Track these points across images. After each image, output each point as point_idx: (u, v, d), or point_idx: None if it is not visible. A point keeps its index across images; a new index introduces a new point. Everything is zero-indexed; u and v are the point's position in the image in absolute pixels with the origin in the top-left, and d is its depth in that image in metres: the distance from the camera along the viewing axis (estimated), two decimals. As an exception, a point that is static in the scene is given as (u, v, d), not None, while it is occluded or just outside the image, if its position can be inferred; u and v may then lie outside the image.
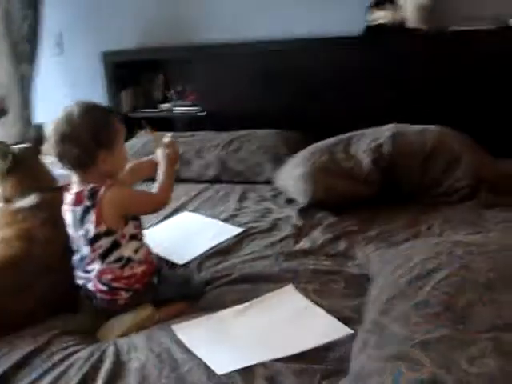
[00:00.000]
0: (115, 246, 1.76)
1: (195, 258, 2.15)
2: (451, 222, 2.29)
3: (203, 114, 3.45)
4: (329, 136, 2.85)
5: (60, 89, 3.96)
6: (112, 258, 1.76)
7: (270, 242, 2.22)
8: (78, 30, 3.93)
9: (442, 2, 3.03)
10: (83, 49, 3.94)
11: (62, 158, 1.71)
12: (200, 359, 1.51)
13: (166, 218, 2.51)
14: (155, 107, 3.74)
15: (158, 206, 1.85)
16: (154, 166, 1.95)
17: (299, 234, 2.27)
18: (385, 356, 1.28)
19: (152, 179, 1.92)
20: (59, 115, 1.74)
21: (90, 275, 1.79)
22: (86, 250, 1.77)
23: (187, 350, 1.55)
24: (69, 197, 1.79)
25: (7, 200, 2.13)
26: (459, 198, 2.46)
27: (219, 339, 1.63)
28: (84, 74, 3.98)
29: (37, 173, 2.24)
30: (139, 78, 3.85)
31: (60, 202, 2.19)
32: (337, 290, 1.87)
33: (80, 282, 1.83)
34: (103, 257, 1.76)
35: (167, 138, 1.94)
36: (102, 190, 1.71)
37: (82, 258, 1.80)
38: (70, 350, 1.63)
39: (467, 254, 1.59)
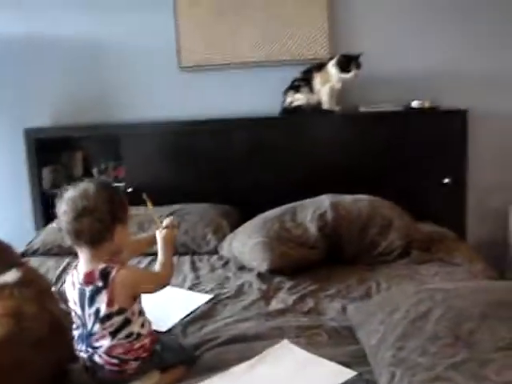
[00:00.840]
0: (126, 323, 1.81)
1: (175, 326, 2.23)
2: (395, 278, 2.58)
3: (130, 189, 3.52)
4: (251, 209, 3.11)
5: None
6: (122, 334, 1.80)
7: (242, 305, 2.36)
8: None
9: (351, 87, 3.42)
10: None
11: (80, 233, 1.75)
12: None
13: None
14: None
15: (164, 283, 1.92)
16: (150, 243, 2.05)
17: (266, 296, 2.44)
18: (422, 380, 1.48)
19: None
20: (71, 193, 1.78)
21: (97, 350, 1.81)
22: (95, 328, 1.80)
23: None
24: (75, 275, 1.84)
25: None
26: (395, 257, 2.77)
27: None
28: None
29: (4, 248, 2.25)
30: (58, 155, 3.87)
31: (39, 278, 2.23)
32: (323, 341, 2.05)
33: (83, 355, 1.85)
34: (114, 334, 1.80)
35: (168, 220, 2.04)
36: (114, 271, 1.77)
37: (90, 334, 1.82)
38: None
39: (448, 298, 1.87)
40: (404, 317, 1.82)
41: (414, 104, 3.43)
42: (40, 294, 2.14)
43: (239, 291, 2.50)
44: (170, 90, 3.77)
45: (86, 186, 1.80)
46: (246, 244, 2.74)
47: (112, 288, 1.76)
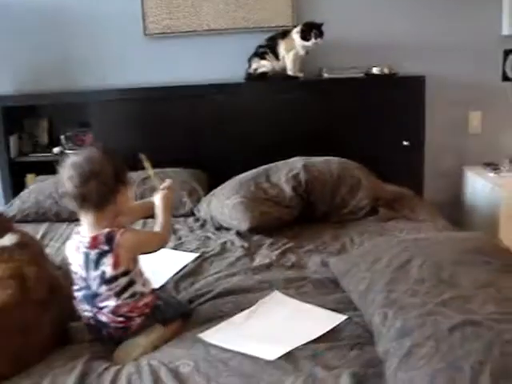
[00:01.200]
0: (131, 283, 1.90)
1: (167, 283, 2.34)
2: (365, 234, 2.76)
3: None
4: (220, 174, 3.24)
5: None
6: (127, 294, 1.89)
7: (229, 262, 2.50)
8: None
9: (315, 54, 3.56)
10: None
11: (87, 196, 1.81)
12: (243, 353, 1.75)
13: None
14: (43, 152, 3.78)
15: (164, 243, 2.03)
16: (150, 207, 2.12)
17: (250, 253, 2.59)
18: (415, 316, 1.65)
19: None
20: (76, 159, 1.85)
21: (103, 310, 1.90)
22: (101, 289, 1.88)
23: (226, 350, 1.78)
24: (79, 239, 1.90)
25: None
26: (363, 214, 2.96)
27: (247, 336, 1.88)
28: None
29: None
30: (23, 123, 3.87)
31: (33, 240, 2.30)
32: (309, 292, 2.21)
33: (87, 314, 1.94)
34: (119, 294, 1.89)
35: (167, 182, 2.12)
36: (118, 235, 1.85)
37: (95, 295, 1.89)
38: (112, 369, 1.75)
39: (426, 246, 2.07)
40: (388, 265, 1.99)
41: (375, 70, 3.59)
42: (37, 256, 2.22)
43: (223, 249, 2.63)
44: (135, 57, 3.82)
45: (89, 151, 1.88)
46: (225, 205, 2.86)
47: (117, 251, 1.84)
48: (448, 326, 1.54)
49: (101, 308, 1.89)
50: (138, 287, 1.92)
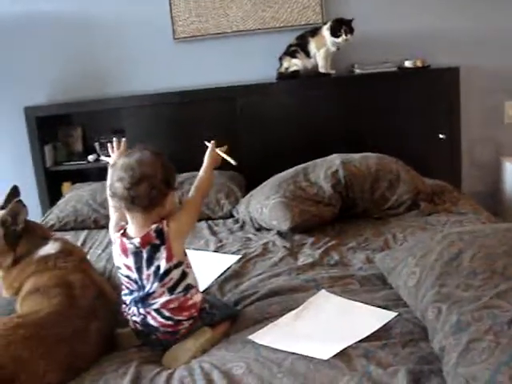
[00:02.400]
0: (183, 276, 1.90)
1: (211, 285, 2.33)
2: (407, 229, 2.72)
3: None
4: (260, 174, 3.20)
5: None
6: (180, 288, 1.90)
7: (272, 262, 2.48)
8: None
9: (346, 50, 3.53)
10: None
11: (135, 199, 1.79)
12: (295, 354, 1.73)
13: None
14: (78, 160, 3.81)
15: (200, 207, 2.04)
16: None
17: (292, 253, 2.56)
18: (471, 309, 1.61)
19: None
20: (127, 161, 1.83)
21: (150, 309, 1.89)
22: (154, 286, 1.88)
23: (278, 351, 1.76)
24: (126, 242, 1.89)
25: (18, 259, 2.17)
26: (404, 209, 2.92)
27: (297, 336, 1.86)
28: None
29: (34, 225, 2.32)
30: (57, 132, 3.92)
31: (75, 248, 2.30)
32: (356, 289, 2.18)
33: (135, 318, 1.93)
34: (172, 289, 1.89)
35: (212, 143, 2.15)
36: (165, 227, 1.86)
37: (147, 295, 1.89)
38: (164, 374, 1.74)
39: (475, 238, 2.01)
40: (438, 258, 1.94)
41: (407, 64, 3.55)
42: (81, 263, 2.23)
43: (265, 250, 2.61)
44: (165, 61, 3.84)
45: (141, 153, 1.85)
46: (265, 205, 2.85)
47: (169, 243, 1.85)
48: (507, 319, 1.50)
49: (151, 305, 1.89)
50: (189, 280, 1.92)
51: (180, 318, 1.91)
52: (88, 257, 2.59)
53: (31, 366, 1.70)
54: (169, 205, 1.89)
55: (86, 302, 1.98)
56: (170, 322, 1.89)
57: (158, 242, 1.85)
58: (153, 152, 1.87)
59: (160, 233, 1.85)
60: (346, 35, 3.42)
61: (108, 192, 1.87)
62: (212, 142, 2.13)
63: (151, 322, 1.90)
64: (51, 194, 3.74)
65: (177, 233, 1.88)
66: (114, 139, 2.23)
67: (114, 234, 1.98)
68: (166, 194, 1.86)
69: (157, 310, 1.89)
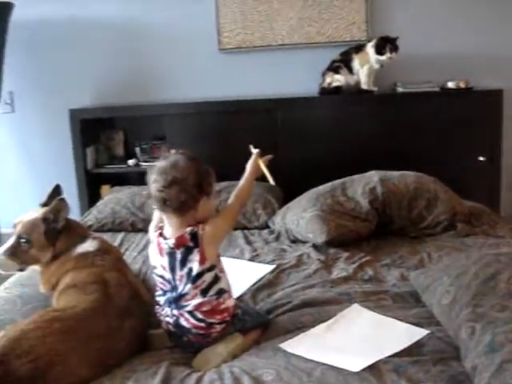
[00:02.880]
0: (216, 280, 1.93)
1: (245, 293, 2.34)
2: (443, 249, 2.70)
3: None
4: (298, 187, 3.22)
5: (15, 146, 4.01)
6: (212, 291, 1.92)
7: (306, 274, 2.48)
8: (31, 90, 4.03)
9: (389, 68, 3.54)
10: (34, 107, 4.08)
11: (167, 202, 1.85)
12: (326, 364, 1.73)
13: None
14: (119, 163, 3.88)
15: (237, 214, 2.07)
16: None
17: (326, 266, 2.56)
18: (506, 330, 1.60)
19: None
20: (162, 163, 1.89)
21: (183, 310, 1.92)
22: (186, 288, 1.91)
23: (308, 360, 1.76)
24: (162, 242, 1.93)
25: (57, 255, 2.21)
26: (441, 229, 2.90)
27: (329, 348, 1.86)
28: (38, 132, 4.09)
29: (73, 223, 2.36)
30: (100, 135, 4.00)
31: (113, 247, 2.34)
32: (389, 305, 2.17)
33: (168, 319, 1.96)
34: (204, 292, 1.91)
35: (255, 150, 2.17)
36: (200, 230, 1.89)
37: (180, 296, 1.92)
38: (194, 376, 1.76)
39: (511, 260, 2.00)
40: (473, 278, 1.93)
41: (450, 84, 3.55)
42: (117, 262, 2.27)
43: (299, 261, 2.62)
44: (210, 71, 3.90)
45: (176, 157, 1.90)
46: (302, 217, 2.86)
47: (202, 247, 1.88)
48: (542, 342, 1.49)
49: (183, 307, 1.91)
50: (222, 284, 1.95)
51: (212, 320, 1.92)
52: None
53: (65, 359, 1.73)
54: (202, 210, 1.92)
55: (121, 301, 2.01)
56: (202, 324, 1.91)
57: (191, 244, 1.88)
58: (188, 157, 1.91)
59: (194, 236, 1.88)
60: (390, 53, 3.43)
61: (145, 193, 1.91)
62: (257, 150, 2.15)
63: (184, 323, 1.92)
64: (90, 195, 3.81)
65: (211, 237, 1.91)
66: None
67: (152, 234, 2.02)
68: (198, 198, 1.89)
69: (190, 312, 1.91)
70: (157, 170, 1.89)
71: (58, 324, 1.80)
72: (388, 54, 3.44)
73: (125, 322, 1.94)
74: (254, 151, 2.16)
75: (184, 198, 1.85)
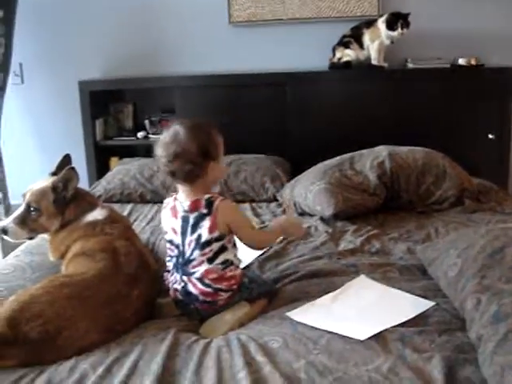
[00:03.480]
0: (223, 249, 1.95)
1: (252, 262, 2.36)
2: (450, 224, 2.71)
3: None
4: (306, 161, 3.22)
5: (24, 117, 4.04)
6: (218, 260, 1.94)
7: (313, 246, 2.50)
8: (40, 61, 4.05)
9: (400, 44, 3.51)
10: (43, 79, 4.08)
11: (175, 174, 1.89)
12: (332, 332, 1.75)
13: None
14: (127, 136, 3.89)
15: (251, 242, 2.05)
16: None
17: (334, 238, 2.57)
18: (510, 301, 1.61)
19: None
20: (164, 137, 1.91)
21: (191, 277, 1.95)
22: (194, 254, 1.94)
23: (314, 328, 1.78)
24: (178, 204, 1.97)
25: (66, 224, 2.22)
26: (449, 205, 2.90)
27: (335, 317, 1.88)
28: (46, 104, 4.08)
29: (83, 192, 2.37)
30: (109, 107, 4.00)
31: (121, 216, 2.35)
32: (396, 277, 2.18)
33: (177, 286, 1.99)
34: (211, 260, 1.94)
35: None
36: (218, 201, 1.92)
37: (188, 262, 1.95)
38: (201, 342, 1.78)
39: (519, 235, 2.00)
40: (481, 251, 1.94)
41: (461, 61, 3.53)
42: (126, 231, 2.28)
43: (307, 233, 2.62)
44: (220, 45, 3.89)
45: (176, 129, 1.90)
46: (310, 190, 2.86)
47: (215, 215, 1.90)
48: (547, 312, 1.50)
49: (191, 274, 1.94)
50: (229, 255, 1.97)
51: (219, 286, 1.95)
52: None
53: (74, 323, 1.76)
54: (212, 174, 1.94)
55: (130, 269, 2.02)
56: (209, 290, 1.94)
57: (205, 211, 1.91)
58: (188, 127, 1.91)
59: (210, 204, 1.91)
60: (401, 29, 3.41)
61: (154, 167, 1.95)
62: (292, 207, 2.17)
63: (191, 289, 1.94)
64: (99, 167, 3.83)
65: (226, 213, 1.93)
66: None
67: (167, 199, 2.04)
68: (205, 165, 1.90)
69: (198, 279, 1.94)
70: (160, 145, 1.91)
71: (67, 289, 1.83)
72: (399, 30, 3.42)
73: (133, 289, 1.95)
74: (291, 210, 2.17)
75: (188, 168, 1.87)
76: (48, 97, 4.10)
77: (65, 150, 3.83)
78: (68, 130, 4.03)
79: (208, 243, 1.92)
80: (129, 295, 1.94)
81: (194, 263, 1.94)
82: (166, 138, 1.90)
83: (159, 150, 1.90)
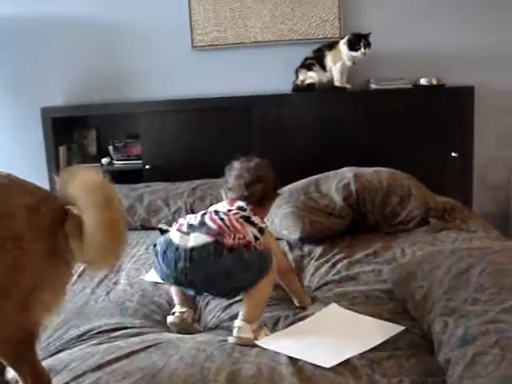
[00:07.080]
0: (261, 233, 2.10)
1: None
2: (417, 244, 2.73)
3: (149, 166, 3.63)
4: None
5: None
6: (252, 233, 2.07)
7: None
8: (1, 87, 4.00)
9: (362, 65, 3.56)
10: (5, 106, 4.05)
11: (251, 195, 2.09)
12: (301, 360, 1.74)
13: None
14: (92, 162, 3.85)
15: (271, 267, 2.04)
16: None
17: (301, 266, 2.60)
18: (477, 323, 1.62)
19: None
20: (245, 164, 2.16)
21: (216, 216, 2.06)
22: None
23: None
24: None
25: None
26: (415, 225, 2.93)
27: (303, 345, 1.87)
28: (9, 131, 4.05)
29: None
30: (72, 134, 3.96)
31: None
32: (363, 302, 2.18)
33: (192, 221, 2.07)
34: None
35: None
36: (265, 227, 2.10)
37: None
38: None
39: (484, 254, 2.02)
40: (446, 273, 1.95)
41: (422, 81, 3.58)
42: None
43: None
44: (183, 69, 3.88)
45: (257, 160, 2.18)
46: (276, 214, 2.86)
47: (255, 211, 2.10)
48: (513, 334, 1.51)
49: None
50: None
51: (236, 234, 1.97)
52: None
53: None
54: (271, 206, 2.20)
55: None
56: (225, 227, 1.96)
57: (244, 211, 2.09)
58: (265, 160, 2.20)
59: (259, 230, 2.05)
60: (364, 49, 3.44)
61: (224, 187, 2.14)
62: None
63: (209, 222, 1.98)
64: (64, 195, 3.75)
65: (268, 241, 2.10)
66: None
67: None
68: (273, 197, 2.18)
69: (221, 219, 1.99)
70: (241, 168, 2.14)
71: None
72: (362, 50, 3.46)
73: None
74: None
75: (266, 192, 2.12)
76: (11, 124, 4.04)
77: (28, 177, 3.81)
78: (31, 157, 3.96)
79: (248, 218, 2.04)
80: None
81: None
82: (250, 164, 2.14)
83: (240, 172, 2.12)
